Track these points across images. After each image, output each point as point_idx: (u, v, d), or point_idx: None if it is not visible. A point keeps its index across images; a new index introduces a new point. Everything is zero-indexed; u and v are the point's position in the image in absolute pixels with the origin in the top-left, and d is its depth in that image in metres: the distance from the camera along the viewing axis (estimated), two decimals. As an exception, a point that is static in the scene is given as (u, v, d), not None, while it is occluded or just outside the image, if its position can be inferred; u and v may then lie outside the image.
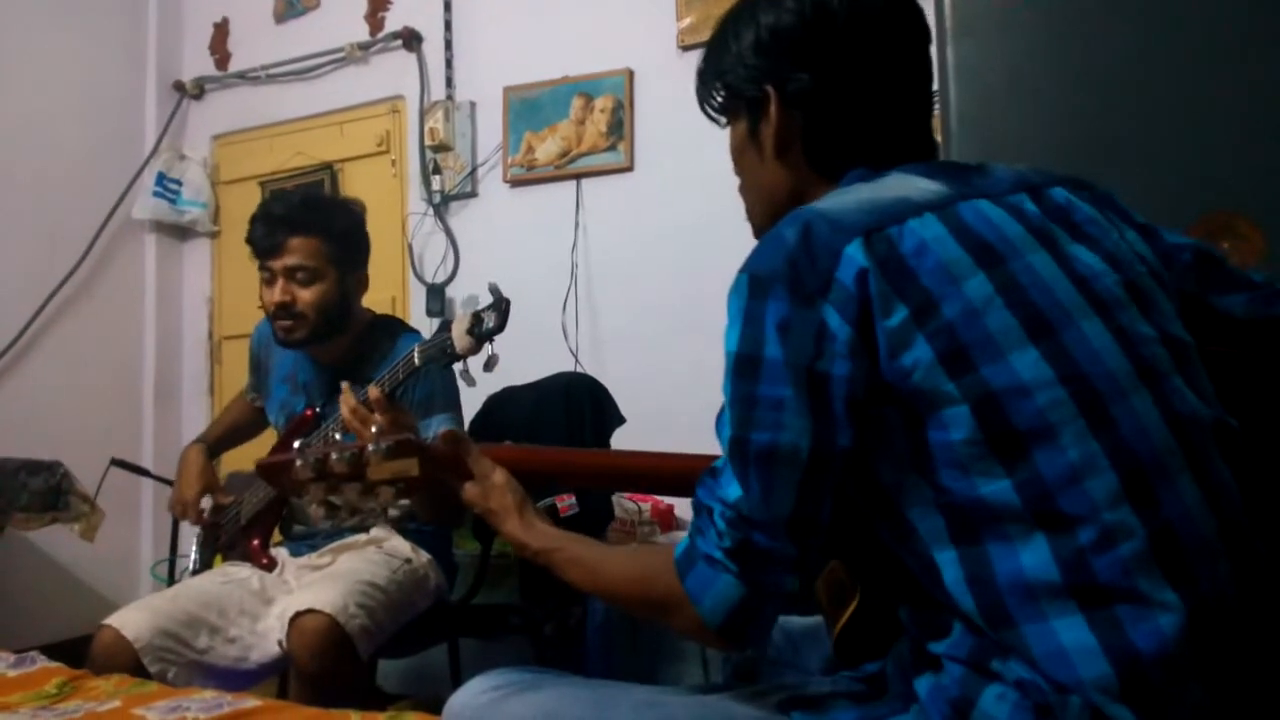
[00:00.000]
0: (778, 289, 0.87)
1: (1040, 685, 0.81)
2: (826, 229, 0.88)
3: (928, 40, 1.05)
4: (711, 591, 0.89)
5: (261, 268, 2.15)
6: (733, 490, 0.88)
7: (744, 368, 0.88)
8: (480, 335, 1.75)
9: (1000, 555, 0.83)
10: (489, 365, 1.80)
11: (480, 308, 1.79)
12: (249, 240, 2.16)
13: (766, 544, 0.87)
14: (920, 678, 0.88)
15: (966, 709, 0.84)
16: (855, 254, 0.86)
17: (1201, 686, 0.80)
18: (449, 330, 1.81)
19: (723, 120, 1.09)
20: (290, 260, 2.10)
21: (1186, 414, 0.86)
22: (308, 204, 2.18)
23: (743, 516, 0.88)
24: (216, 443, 2.46)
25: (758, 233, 1.08)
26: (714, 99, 1.08)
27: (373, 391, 1.89)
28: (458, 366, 1.86)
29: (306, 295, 2.11)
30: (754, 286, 0.88)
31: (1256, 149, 1.50)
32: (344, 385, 1.80)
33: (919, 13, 1.04)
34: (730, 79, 1.05)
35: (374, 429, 1.20)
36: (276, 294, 2.11)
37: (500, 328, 1.76)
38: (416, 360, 1.85)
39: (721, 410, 0.91)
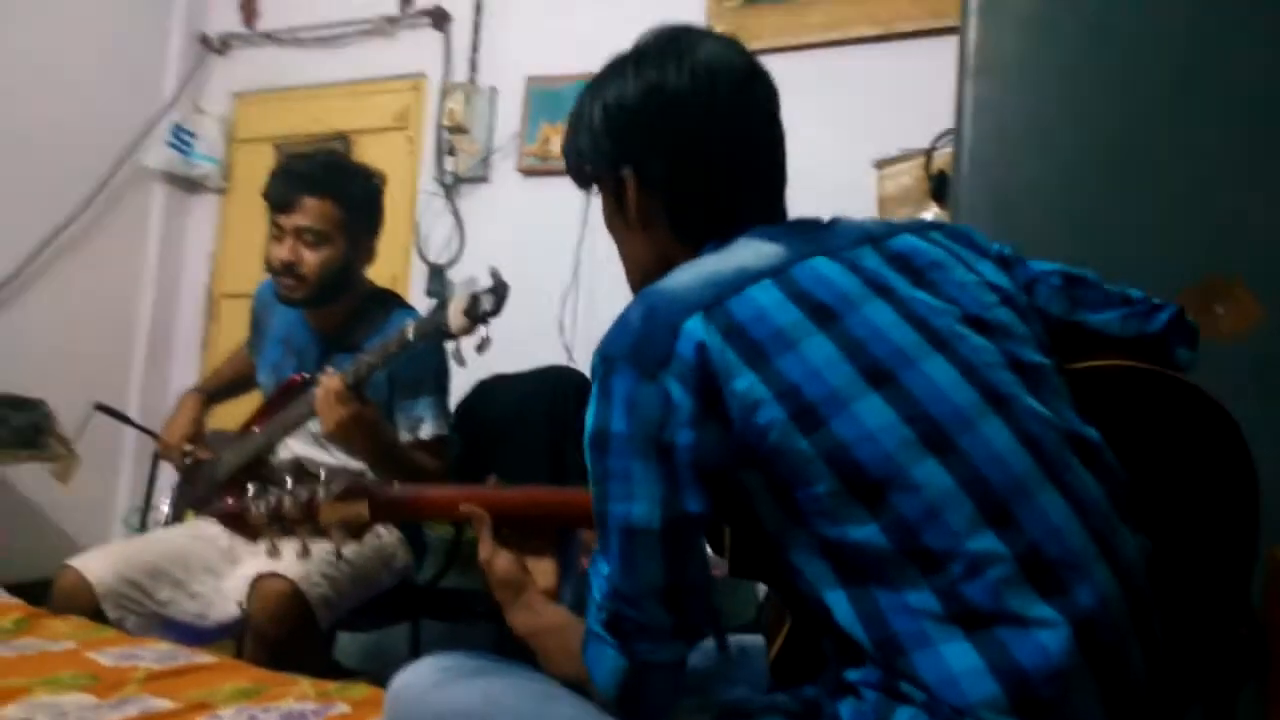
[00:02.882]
0: (623, 366, 0.91)
1: (944, 708, 0.83)
2: (666, 306, 0.92)
3: (775, 104, 1.08)
4: (600, 666, 0.95)
5: (272, 223, 2.15)
6: (605, 565, 0.93)
7: (597, 443, 0.93)
8: (476, 316, 1.77)
9: (884, 594, 0.86)
10: (481, 347, 1.80)
11: (479, 289, 1.80)
12: (265, 193, 2.16)
13: (637, 615, 0.92)
14: (843, 702, 0.90)
15: None
16: (694, 328, 0.90)
17: (1093, 695, 0.83)
18: (445, 308, 1.82)
19: (592, 190, 1.13)
20: (301, 220, 2.10)
21: (1039, 432, 0.90)
22: (329, 166, 2.19)
23: (613, 590, 0.92)
24: (216, 392, 2.46)
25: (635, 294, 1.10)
26: (578, 173, 1.13)
27: (332, 382, 1.91)
28: (450, 345, 1.87)
29: (312, 258, 2.11)
30: (605, 366, 0.93)
31: (1265, 213, 1.50)
32: (327, 371, 1.83)
33: (762, 77, 1.08)
34: (589, 161, 1.09)
35: (321, 471, 1.25)
36: (284, 252, 2.11)
37: (496, 311, 1.78)
38: (410, 335, 1.86)
39: None
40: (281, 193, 2.12)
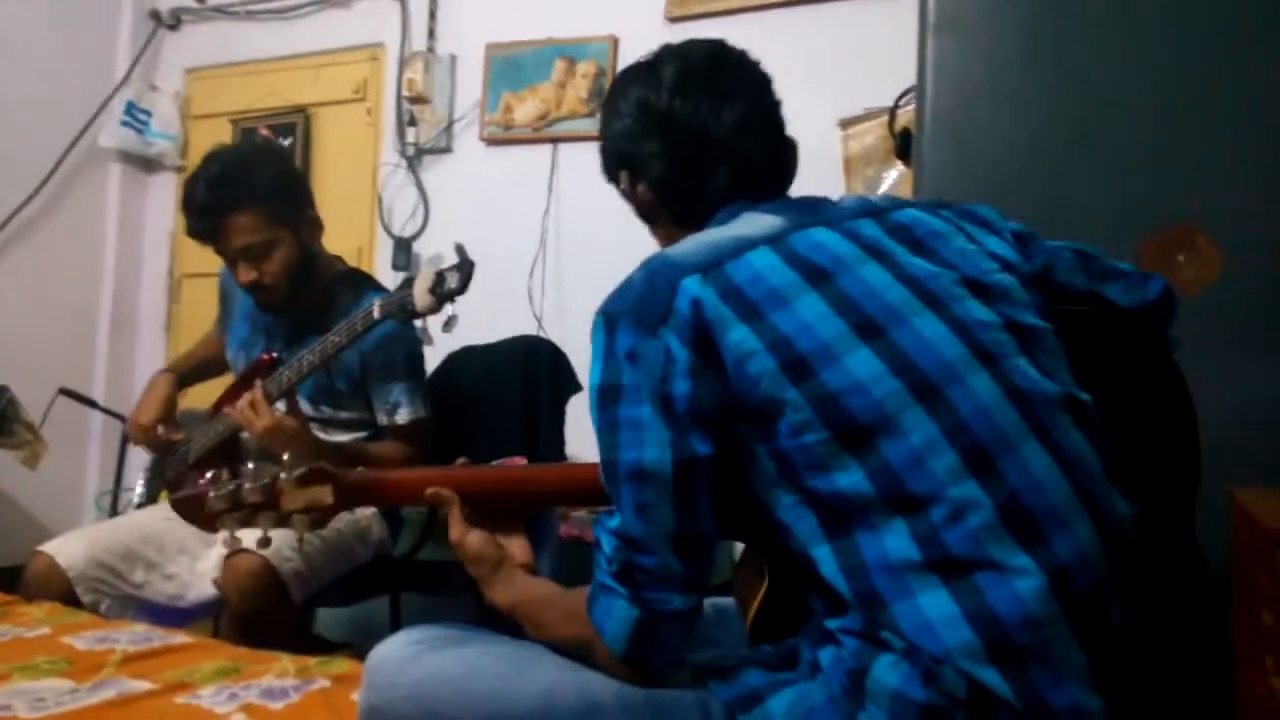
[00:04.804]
0: (625, 323, 0.97)
1: (923, 656, 0.85)
2: (667, 269, 0.98)
3: (766, 89, 1.18)
4: (611, 619, 0.96)
5: (217, 254, 2.11)
6: (615, 518, 0.96)
7: (605, 396, 0.96)
8: (442, 295, 1.76)
9: (867, 542, 0.89)
10: (448, 325, 1.80)
11: (444, 267, 1.79)
12: (188, 233, 2.12)
13: (649, 562, 0.94)
14: (823, 649, 0.92)
15: (861, 678, 0.88)
16: (691, 285, 0.95)
17: (1076, 644, 0.86)
18: (410, 287, 1.80)
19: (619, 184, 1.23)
20: (236, 242, 2.04)
21: (1029, 389, 0.93)
22: (224, 180, 2.05)
23: (624, 539, 0.94)
24: (188, 374, 2.42)
25: None
26: (610, 181, 1.24)
27: (253, 394, 1.90)
28: (416, 324, 1.86)
29: (270, 266, 2.07)
30: (608, 324, 0.98)
31: (1227, 163, 1.52)
32: (256, 384, 1.81)
33: (749, 67, 1.18)
34: (605, 169, 1.23)
35: (285, 456, 1.20)
36: (243, 275, 2.07)
37: (463, 289, 1.77)
38: (376, 314, 1.85)
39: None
40: (201, 229, 2.07)
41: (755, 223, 1.04)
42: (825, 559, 0.91)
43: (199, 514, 1.17)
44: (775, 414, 0.91)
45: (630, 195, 1.20)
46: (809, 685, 0.92)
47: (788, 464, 0.92)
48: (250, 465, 1.16)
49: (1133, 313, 1.12)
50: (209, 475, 1.17)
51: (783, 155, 1.18)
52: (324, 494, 1.15)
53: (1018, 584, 0.85)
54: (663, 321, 0.94)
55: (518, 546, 1.15)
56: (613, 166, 1.21)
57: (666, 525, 0.93)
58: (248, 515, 1.15)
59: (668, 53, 1.18)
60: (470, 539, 1.13)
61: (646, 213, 1.20)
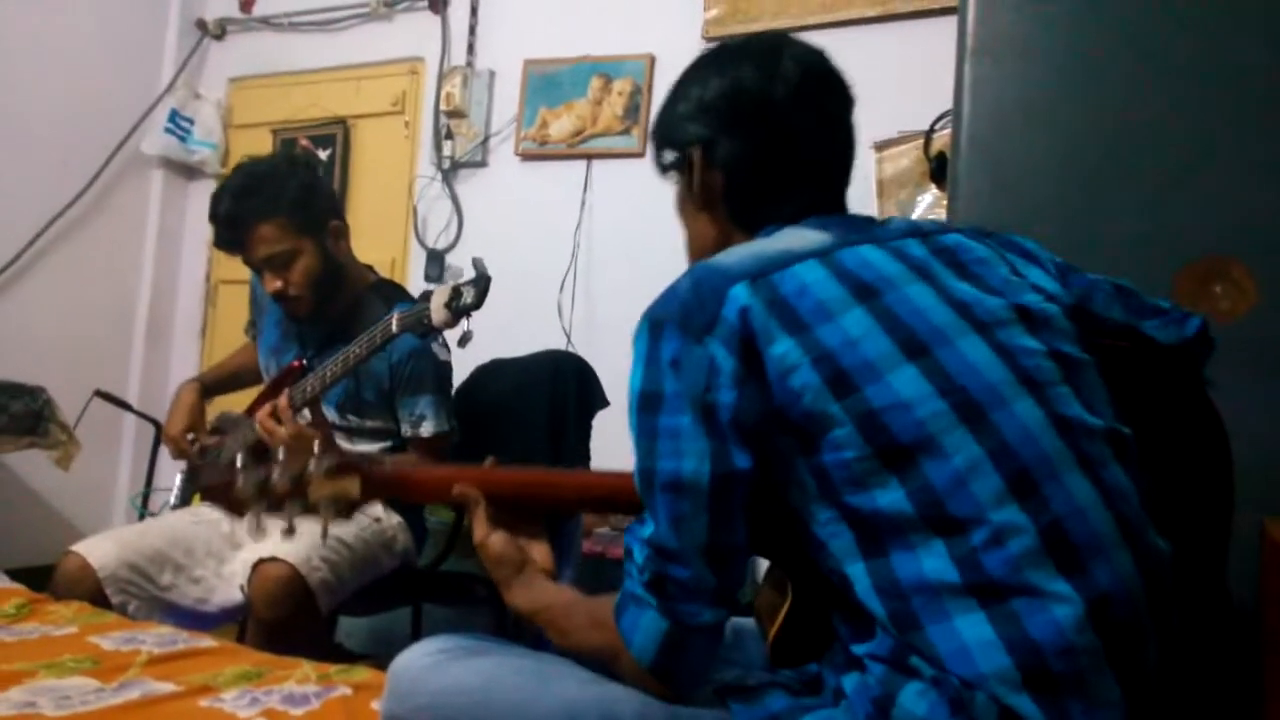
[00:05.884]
0: (670, 329, 0.95)
1: (952, 681, 0.84)
2: (714, 276, 0.96)
3: (848, 108, 1.15)
4: (639, 630, 0.95)
5: (245, 264, 2.16)
6: (649, 527, 0.94)
7: (646, 403, 0.95)
8: (457, 310, 1.75)
9: (903, 563, 0.88)
10: (463, 341, 1.80)
11: (461, 281, 1.78)
12: (216, 244, 2.17)
13: (682, 574, 0.93)
14: (847, 675, 0.91)
15: (888, 705, 0.86)
16: (739, 294, 0.94)
17: (1111, 676, 0.84)
18: (429, 301, 1.81)
19: (672, 177, 1.19)
20: (262, 252, 2.09)
21: (1074, 418, 0.92)
22: (247, 191, 2.10)
23: (657, 549, 0.93)
24: (214, 384, 2.46)
25: None
26: (660, 157, 1.18)
27: (281, 401, 1.93)
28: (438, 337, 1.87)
29: (294, 276, 2.10)
30: (652, 330, 0.96)
31: (1263, 193, 1.50)
32: (284, 392, 1.82)
33: (839, 84, 1.15)
34: (668, 140, 1.16)
35: (315, 447, 1.20)
36: (270, 285, 2.11)
37: (478, 304, 1.76)
38: (394, 328, 1.86)
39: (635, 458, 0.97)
40: (228, 240, 2.12)
41: (803, 236, 1.02)
42: (859, 577, 0.90)
43: (227, 499, 1.17)
44: (817, 429, 0.90)
45: (688, 173, 1.14)
46: (833, 712, 0.91)
47: (827, 479, 0.91)
48: (281, 455, 1.17)
49: (1170, 349, 1.10)
50: (240, 462, 1.17)
51: (845, 174, 1.16)
52: (351, 486, 1.16)
53: (1056, 611, 0.84)
54: (709, 330, 0.93)
55: (540, 552, 1.14)
56: (682, 137, 1.14)
57: (701, 538, 0.92)
58: (275, 503, 1.15)
59: (785, 43, 1.14)
60: (493, 540, 1.12)
61: (704, 197, 1.13)
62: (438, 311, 1.77)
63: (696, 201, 1.14)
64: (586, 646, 1.03)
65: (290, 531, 1.18)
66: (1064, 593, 0.84)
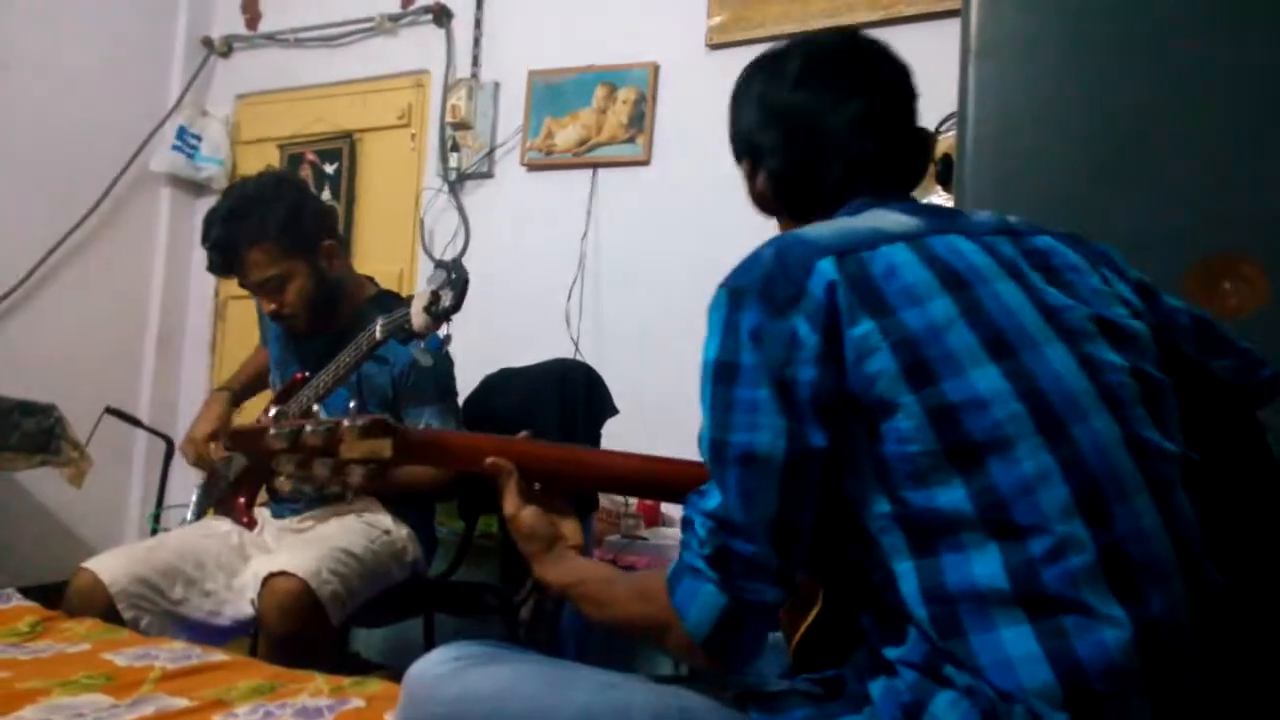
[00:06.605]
0: (752, 300, 0.92)
1: (987, 693, 0.82)
2: (800, 248, 0.94)
3: (895, 83, 1.16)
4: (696, 603, 0.92)
5: (240, 285, 2.18)
6: (713, 499, 0.92)
7: (722, 373, 0.92)
8: (437, 314, 1.74)
9: (953, 565, 0.85)
10: (442, 345, 1.78)
11: (438, 285, 1.76)
12: (209, 271, 2.20)
13: (746, 549, 0.90)
14: (874, 680, 0.89)
15: (918, 713, 0.85)
16: (827, 268, 0.91)
17: (1149, 701, 0.81)
18: (409, 306, 1.80)
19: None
20: (254, 276, 2.11)
21: (1149, 440, 0.89)
22: (235, 216, 2.11)
23: (722, 522, 0.90)
24: (242, 390, 2.47)
25: None
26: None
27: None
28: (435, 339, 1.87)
29: (288, 297, 2.13)
30: (731, 299, 0.94)
31: (1271, 194, 1.49)
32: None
33: (880, 60, 1.16)
34: (733, 149, 1.20)
35: (351, 405, 1.19)
36: (264, 306, 2.15)
37: (456, 307, 1.74)
38: (378, 335, 1.87)
39: (702, 428, 0.94)
40: (221, 265, 2.14)
41: (889, 219, 1.00)
42: (906, 575, 0.87)
43: (257, 446, 1.15)
44: (884, 417, 0.88)
45: (751, 185, 1.17)
46: (857, 719, 0.90)
47: (886, 471, 0.88)
48: (316, 408, 1.15)
49: (1236, 388, 1.06)
50: (273, 412, 1.15)
51: (907, 151, 1.15)
52: (383, 447, 1.13)
53: (1106, 633, 0.81)
54: (793, 303, 0.90)
55: (570, 528, 1.13)
56: (738, 154, 1.19)
57: (769, 514, 0.89)
58: (305, 458, 1.13)
59: (797, 44, 1.16)
60: (525, 514, 1.11)
61: (765, 205, 1.17)
62: (418, 316, 1.76)
63: (761, 209, 1.18)
64: (628, 618, 1.01)
65: (319, 488, 1.16)
66: (1117, 616, 0.81)
